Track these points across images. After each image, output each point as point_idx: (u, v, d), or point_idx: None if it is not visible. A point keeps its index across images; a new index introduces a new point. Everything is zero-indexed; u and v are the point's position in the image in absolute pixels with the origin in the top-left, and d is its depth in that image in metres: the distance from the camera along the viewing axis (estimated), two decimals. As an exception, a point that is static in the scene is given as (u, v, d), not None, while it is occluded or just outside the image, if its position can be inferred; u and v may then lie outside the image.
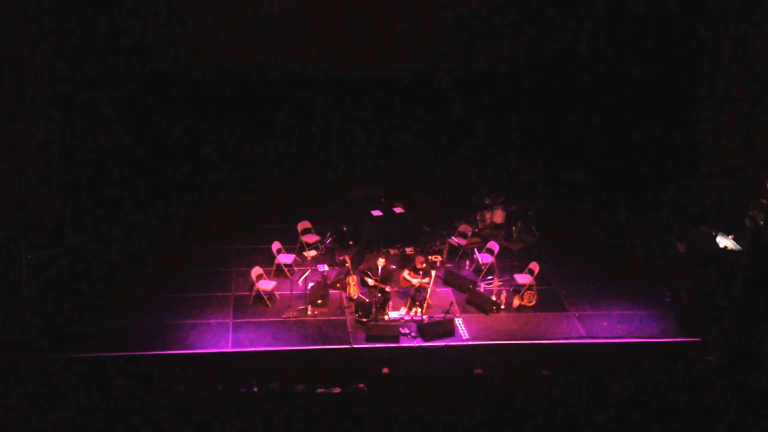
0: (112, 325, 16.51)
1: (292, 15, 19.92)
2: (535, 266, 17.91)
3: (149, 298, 17.42)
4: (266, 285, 17.45)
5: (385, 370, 15.36)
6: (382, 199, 20.21)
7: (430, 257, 18.60)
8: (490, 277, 18.26)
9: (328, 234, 19.31)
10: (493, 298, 17.56)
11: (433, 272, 17.45)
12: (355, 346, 16.25)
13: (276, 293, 17.55)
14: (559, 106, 21.54)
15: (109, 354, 15.67)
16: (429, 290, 17.16)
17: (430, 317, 17.01)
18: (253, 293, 17.46)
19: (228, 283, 18.18)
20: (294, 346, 16.23)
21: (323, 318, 17.05)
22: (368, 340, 16.37)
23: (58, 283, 17.15)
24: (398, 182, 21.27)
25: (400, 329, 16.55)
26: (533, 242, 20.22)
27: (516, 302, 17.62)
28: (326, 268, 18.44)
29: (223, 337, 16.35)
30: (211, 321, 16.83)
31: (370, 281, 17.39)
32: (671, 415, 13.21)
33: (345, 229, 19.71)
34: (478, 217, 20.59)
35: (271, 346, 16.19)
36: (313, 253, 19.22)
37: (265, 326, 16.76)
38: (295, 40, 20.38)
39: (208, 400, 13.40)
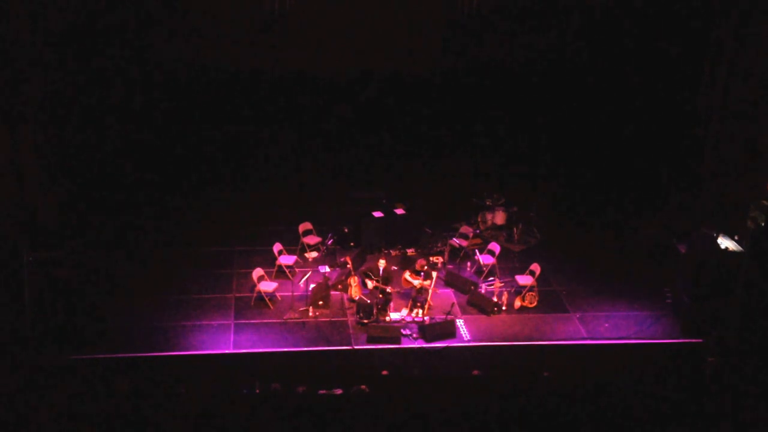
0: (113, 326, 16.51)
1: (293, 15, 19.95)
2: (536, 267, 17.92)
3: (150, 299, 17.43)
4: (267, 286, 17.46)
5: (384, 372, 15.37)
6: (384, 201, 20.22)
7: (431, 258, 18.60)
8: (492, 279, 18.26)
9: (330, 235, 19.32)
10: (495, 299, 17.56)
11: (435, 273, 17.45)
12: (356, 347, 16.26)
13: (277, 294, 17.56)
14: (560, 107, 21.56)
15: (110, 355, 15.68)
16: (430, 292, 17.16)
17: (431, 318, 17.02)
18: (255, 294, 17.47)
19: (229, 284, 18.18)
20: (295, 347, 16.24)
21: (324, 319, 17.06)
22: (369, 341, 16.39)
23: (59, 285, 17.13)
24: (399, 183, 21.29)
25: (402, 330, 16.56)
26: (534, 243, 20.23)
27: (517, 303, 17.62)
28: (327, 269, 18.42)
29: (224, 339, 16.36)
30: (213, 322, 16.84)
31: (371, 282, 17.39)
32: (672, 415, 13.21)
33: (346, 230, 19.72)
34: (479, 219, 20.59)
35: (272, 347, 16.20)
36: (314, 254, 19.23)
37: (266, 327, 16.77)
38: (297, 40, 20.41)
39: (210, 402, 13.40)
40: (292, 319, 16.99)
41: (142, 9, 19.72)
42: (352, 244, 19.54)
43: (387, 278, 17.57)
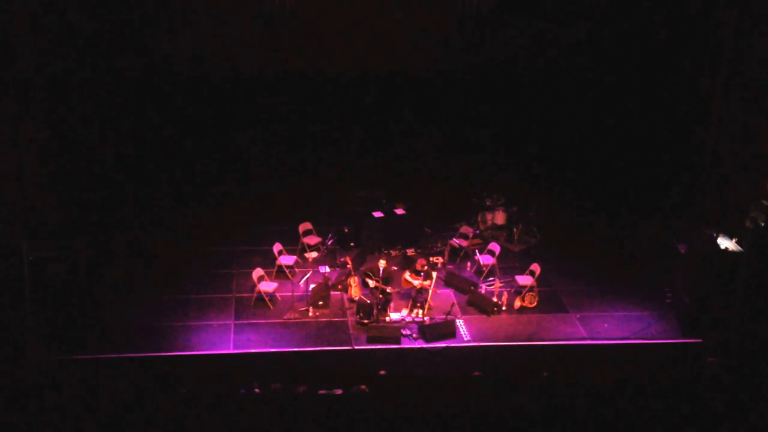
0: (113, 326, 16.52)
1: (294, 15, 19.95)
2: (536, 267, 17.92)
3: (151, 299, 17.44)
4: (267, 286, 17.46)
5: (382, 372, 15.37)
6: (384, 201, 20.22)
7: (431, 258, 18.60)
8: (492, 279, 18.27)
9: (330, 235, 19.32)
10: (495, 299, 17.57)
11: (435, 274, 17.45)
12: (356, 347, 16.26)
13: (277, 295, 17.56)
14: (561, 107, 21.56)
15: (110, 356, 15.68)
16: (430, 292, 17.16)
17: (431, 318, 17.02)
18: (255, 295, 17.47)
19: (229, 284, 18.19)
20: (295, 347, 16.24)
21: (324, 319, 17.07)
22: (369, 341, 16.38)
23: (59, 285, 17.14)
24: (399, 183, 21.30)
25: (402, 330, 16.57)
26: (534, 243, 20.23)
27: (517, 303, 17.63)
28: (327, 269, 18.42)
29: (224, 339, 16.36)
30: (213, 322, 16.84)
31: (371, 282, 17.39)
32: (672, 416, 13.21)
33: (346, 230, 19.72)
34: (479, 219, 20.60)
35: (272, 347, 16.20)
36: (314, 254, 19.24)
37: (266, 328, 16.77)
38: (297, 40, 20.41)
39: (210, 402, 13.39)
40: (292, 319, 16.99)
41: (142, 9, 19.72)
42: (352, 244, 19.55)
43: (387, 278, 17.57)
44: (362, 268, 18.15)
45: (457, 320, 17.10)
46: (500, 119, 21.76)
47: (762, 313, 16.02)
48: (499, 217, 20.49)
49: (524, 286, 17.75)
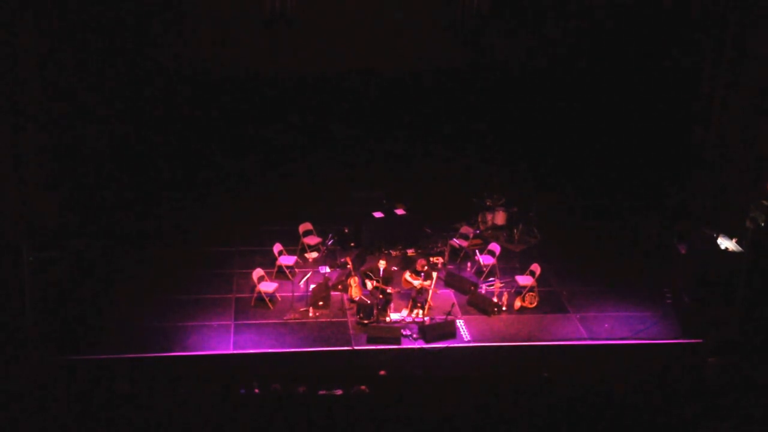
0: (113, 327, 16.52)
1: (294, 16, 19.97)
2: (536, 268, 17.91)
3: (150, 300, 17.43)
4: (267, 287, 17.45)
5: (382, 372, 15.38)
6: (384, 201, 20.22)
7: (431, 259, 18.60)
8: (492, 279, 18.26)
9: (330, 236, 19.31)
10: (495, 299, 17.56)
11: (435, 274, 17.45)
12: (356, 347, 16.26)
13: (277, 295, 17.55)
14: (560, 107, 21.57)
15: (110, 356, 15.68)
16: (430, 292, 17.16)
17: (431, 319, 17.02)
18: (255, 295, 17.47)
19: (229, 284, 18.18)
20: (295, 347, 16.23)
21: (324, 320, 17.06)
22: (369, 341, 16.38)
23: (59, 285, 17.14)
24: (399, 184, 21.30)
25: (402, 331, 16.56)
26: (534, 244, 20.23)
27: (517, 304, 17.62)
28: (328, 269, 18.43)
29: (224, 339, 16.35)
30: (213, 323, 16.83)
31: (371, 283, 17.38)
32: (672, 416, 13.22)
33: (346, 230, 19.72)
34: (479, 219, 20.60)
35: (272, 347, 16.20)
36: (314, 254, 19.23)
37: (266, 328, 16.76)
38: (297, 40, 20.42)
39: (210, 402, 13.41)
40: (292, 319, 16.99)
41: (142, 10, 19.73)
42: (352, 244, 19.54)
43: (387, 279, 17.57)
44: (362, 269, 18.14)
45: (457, 320, 17.09)
46: (500, 119, 21.76)
47: (762, 313, 16.03)
48: (499, 217, 20.48)
49: (524, 287, 17.74)
